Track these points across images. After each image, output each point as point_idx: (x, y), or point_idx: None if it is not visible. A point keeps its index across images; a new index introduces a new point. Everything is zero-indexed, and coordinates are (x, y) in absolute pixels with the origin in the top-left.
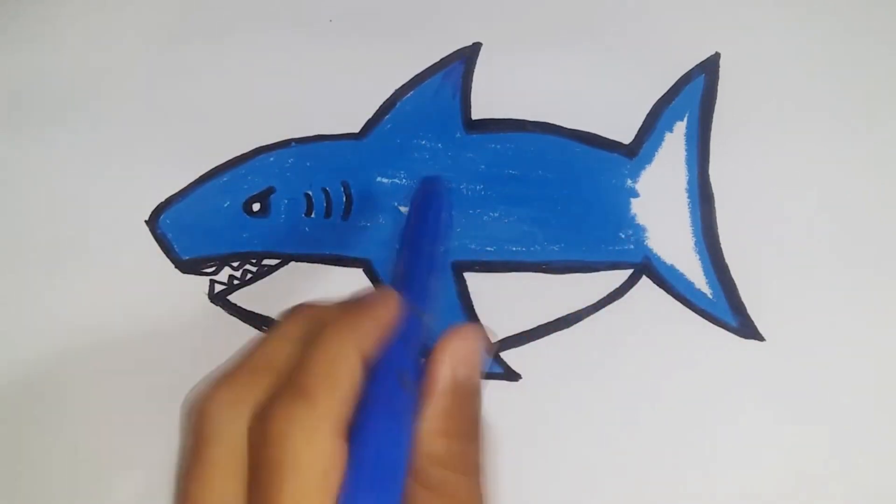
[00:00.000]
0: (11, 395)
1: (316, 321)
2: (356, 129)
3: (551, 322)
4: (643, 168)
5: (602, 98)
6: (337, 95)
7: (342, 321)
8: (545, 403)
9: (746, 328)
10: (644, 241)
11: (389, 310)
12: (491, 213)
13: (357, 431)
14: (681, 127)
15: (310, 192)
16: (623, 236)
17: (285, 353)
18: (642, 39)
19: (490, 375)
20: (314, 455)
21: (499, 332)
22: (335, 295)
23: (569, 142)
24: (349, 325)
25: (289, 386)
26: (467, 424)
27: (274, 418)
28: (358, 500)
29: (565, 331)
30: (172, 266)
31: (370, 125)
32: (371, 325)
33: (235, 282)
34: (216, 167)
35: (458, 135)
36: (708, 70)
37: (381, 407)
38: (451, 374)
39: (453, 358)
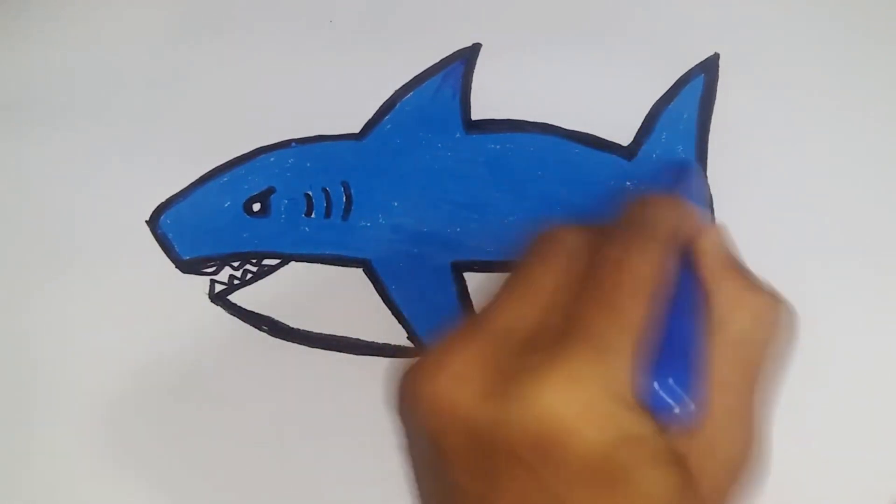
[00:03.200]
0: (11, 395)
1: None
2: (356, 129)
3: None
4: (642, 169)
5: (601, 98)
6: (337, 95)
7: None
8: None
9: None
10: None
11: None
12: (490, 214)
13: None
14: (680, 127)
15: (310, 192)
16: None
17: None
18: (641, 40)
19: None
20: (646, 260)
21: None
22: (335, 295)
23: (568, 142)
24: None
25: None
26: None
27: (613, 245)
28: (650, 369)
29: None
30: (173, 266)
31: (370, 125)
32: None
33: (236, 282)
34: (216, 167)
35: (458, 135)
36: (707, 70)
37: (682, 296)
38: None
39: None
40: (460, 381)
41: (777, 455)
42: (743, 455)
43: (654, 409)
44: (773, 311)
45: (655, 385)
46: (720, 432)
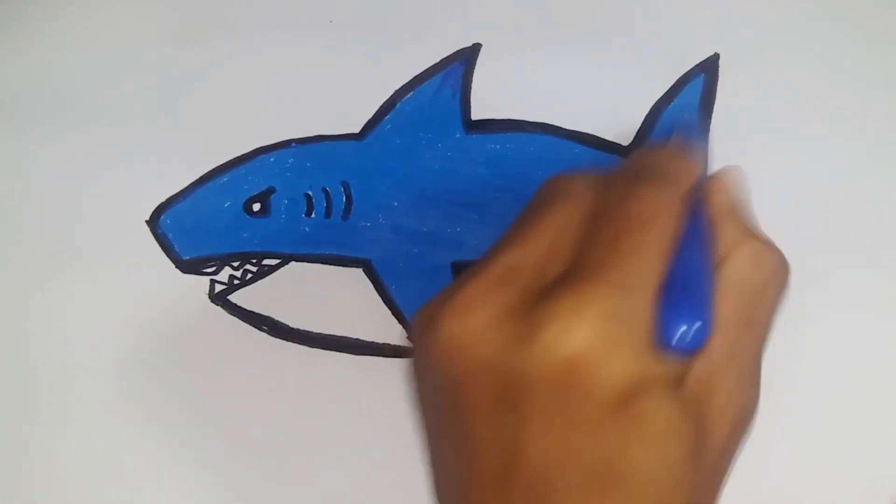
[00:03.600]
0: (11, 395)
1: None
2: (356, 130)
3: None
4: None
5: (601, 98)
6: (337, 95)
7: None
8: None
9: None
10: None
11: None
12: (490, 214)
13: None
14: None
15: (310, 193)
16: None
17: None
18: (641, 40)
19: None
20: (660, 205)
21: None
22: (335, 295)
23: (568, 143)
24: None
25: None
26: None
27: (628, 192)
28: (671, 309)
29: None
30: (173, 266)
31: (370, 125)
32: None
33: (236, 282)
34: (216, 167)
35: (458, 135)
36: (707, 70)
37: (691, 236)
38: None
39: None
40: (485, 324)
41: (777, 455)
42: (740, 403)
43: (670, 347)
44: (770, 257)
45: (674, 325)
46: (719, 374)
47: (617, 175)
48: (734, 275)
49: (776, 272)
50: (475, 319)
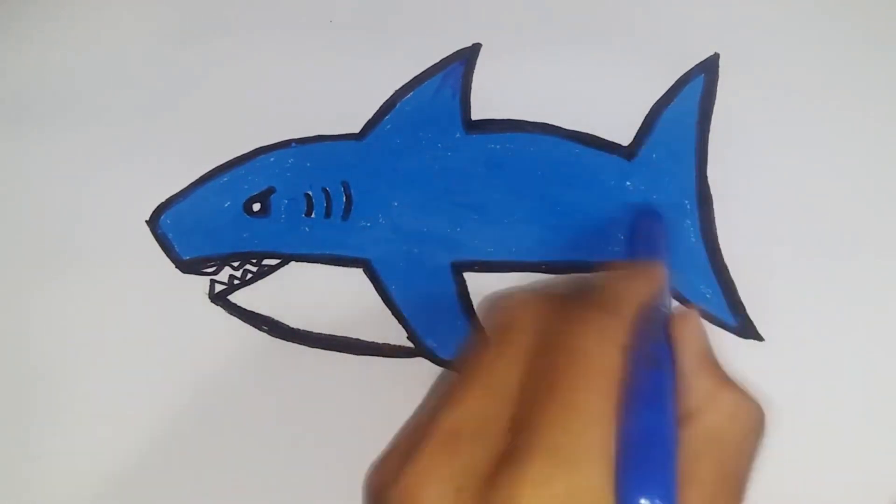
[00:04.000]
0: (12, 395)
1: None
2: (356, 130)
3: None
4: (642, 169)
5: (601, 99)
6: (337, 95)
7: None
8: None
9: (746, 328)
10: None
11: (653, 283)
12: (490, 214)
13: (622, 416)
14: (679, 127)
15: (310, 192)
16: (622, 237)
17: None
18: (641, 40)
19: None
20: (603, 351)
21: None
22: (335, 295)
23: (568, 143)
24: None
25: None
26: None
27: (571, 326)
28: (629, 479)
29: None
30: (173, 266)
31: (370, 125)
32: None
33: (236, 282)
34: (216, 167)
35: (458, 135)
36: (707, 70)
37: (643, 391)
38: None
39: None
40: (429, 497)
41: (777, 455)
42: None
43: None
44: (747, 408)
45: (632, 491)
46: None
47: (566, 299)
48: (711, 430)
49: (755, 424)
50: (424, 500)
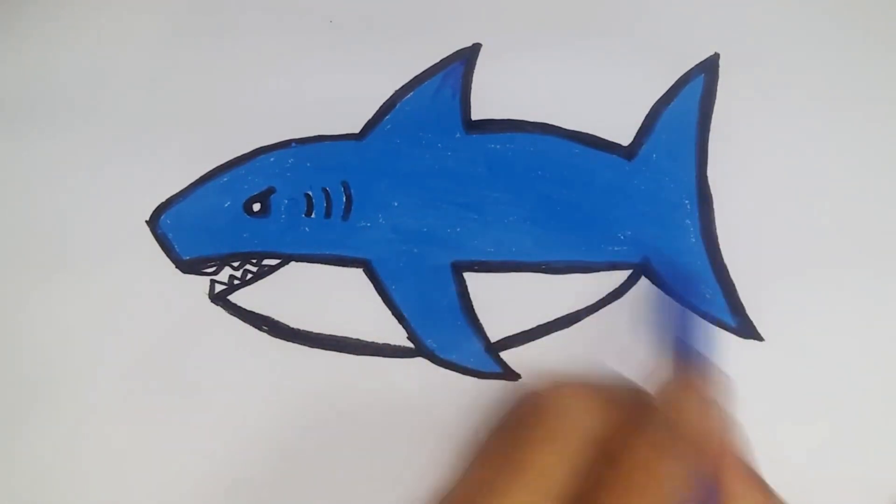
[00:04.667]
0: (11, 395)
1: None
2: (356, 130)
3: (551, 322)
4: (642, 169)
5: (601, 98)
6: (337, 95)
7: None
8: None
9: (745, 328)
10: (643, 241)
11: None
12: (490, 214)
13: None
14: (679, 127)
15: (310, 193)
16: (622, 237)
17: None
18: (641, 40)
19: (489, 375)
20: (676, 481)
21: (498, 332)
22: (335, 295)
23: (568, 143)
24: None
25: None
26: None
27: (645, 445)
28: None
29: (565, 331)
30: (173, 266)
31: (370, 125)
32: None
33: (236, 282)
34: (216, 167)
35: (458, 135)
36: (707, 70)
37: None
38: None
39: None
40: None
41: (777, 455)
42: None
43: None
44: None
45: None
46: None
47: (624, 408)
48: None
49: None
50: None
